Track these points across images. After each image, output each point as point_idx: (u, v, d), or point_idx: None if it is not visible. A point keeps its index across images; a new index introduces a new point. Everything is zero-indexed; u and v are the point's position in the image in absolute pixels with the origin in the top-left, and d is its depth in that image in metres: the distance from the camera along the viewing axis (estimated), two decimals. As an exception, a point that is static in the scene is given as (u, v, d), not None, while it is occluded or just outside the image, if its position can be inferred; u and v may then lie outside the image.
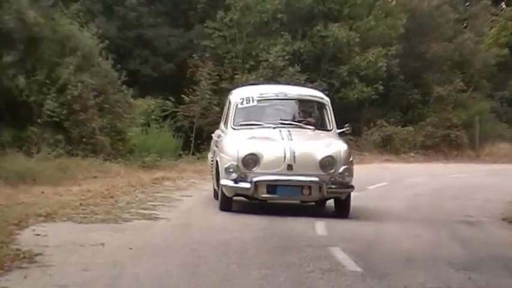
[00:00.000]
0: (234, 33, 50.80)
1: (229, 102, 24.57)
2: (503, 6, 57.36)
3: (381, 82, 50.61)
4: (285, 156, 21.32)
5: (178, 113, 46.58)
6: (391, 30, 51.43)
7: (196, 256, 16.81)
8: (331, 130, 23.25)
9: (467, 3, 57.38)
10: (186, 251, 17.37)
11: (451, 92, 53.57)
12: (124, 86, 40.91)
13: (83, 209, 23.20)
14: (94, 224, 20.39)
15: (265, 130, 22.99)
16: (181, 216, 23.39)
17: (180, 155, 43.16)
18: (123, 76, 40.75)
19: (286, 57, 48.90)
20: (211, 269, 15.39)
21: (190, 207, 25.50)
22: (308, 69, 49.26)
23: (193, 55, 49.77)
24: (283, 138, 21.92)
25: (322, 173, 21.21)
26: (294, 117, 23.56)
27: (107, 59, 40.63)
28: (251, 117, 23.54)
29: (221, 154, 23.03)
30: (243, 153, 21.44)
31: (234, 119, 23.34)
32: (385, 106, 52.48)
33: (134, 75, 43.37)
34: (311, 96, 24.45)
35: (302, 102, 24.16)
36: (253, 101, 23.22)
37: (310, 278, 14.60)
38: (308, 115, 23.82)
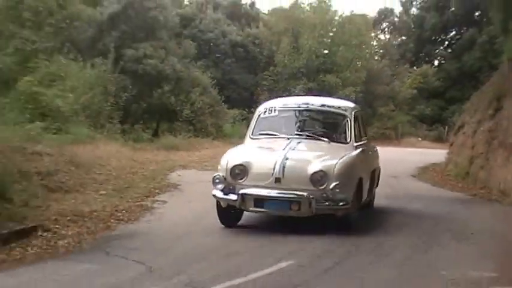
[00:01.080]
0: (278, 78, 50.73)
1: (255, 113, 14.21)
2: (415, 68, 57.09)
3: (352, 105, 50.53)
4: (274, 169, 11.29)
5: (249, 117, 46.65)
6: (358, 78, 51.21)
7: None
8: (348, 143, 12.65)
9: (397, 66, 57.07)
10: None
11: (387, 111, 53.40)
12: (223, 103, 41.22)
13: (201, 163, 23.31)
14: (206, 171, 20.10)
15: (278, 140, 12.51)
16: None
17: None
18: (222, 98, 41.09)
19: (304, 92, 48.75)
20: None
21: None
22: (315, 98, 48.93)
23: (258, 88, 49.84)
24: (284, 149, 11.86)
25: (313, 188, 11.20)
26: (312, 128, 13.06)
27: (215, 89, 40.87)
28: (270, 127, 13.14)
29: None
30: (231, 163, 11.61)
31: (253, 129, 13.29)
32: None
33: (228, 98, 43.47)
34: (333, 107, 13.47)
35: (323, 114, 13.44)
36: (275, 111, 13.37)
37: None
38: (328, 127, 13.33)
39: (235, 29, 50.37)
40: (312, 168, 11.09)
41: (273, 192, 11.01)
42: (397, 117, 53.46)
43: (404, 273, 8.81)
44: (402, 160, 27.72)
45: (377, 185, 14.58)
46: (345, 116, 12.75)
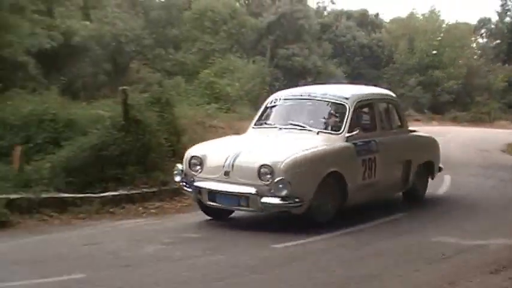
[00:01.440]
0: (396, 72, 49.61)
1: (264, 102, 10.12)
2: (507, 65, 54.59)
3: (453, 95, 49.27)
4: (224, 162, 8.18)
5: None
6: (460, 73, 49.70)
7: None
8: (340, 133, 8.75)
9: (491, 64, 54.62)
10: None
11: (482, 99, 51.46)
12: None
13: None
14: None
15: (269, 131, 9.18)
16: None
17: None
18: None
19: (416, 84, 47.78)
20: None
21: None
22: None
23: (380, 81, 48.85)
24: (262, 141, 8.90)
25: (260, 183, 7.91)
26: (308, 118, 9.21)
27: (346, 81, 40.47)
28: (271, 117, 9.57)
29: None
30: (189, 155, 8.64)
31: (257, 119, 9.65)
32: (455, 104, 50.65)
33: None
34: (334, 97, 9.28)
35: (323, 104, 9.31)
36: (279, 101, 9.67)
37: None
38: (325, 116, 9.26)
39: (363, 34, 49.87)
40: (259, 162, 8.00)
41: (223, 186, 8.16)
42: (490, 105, 51.51)
43: (493, 223, 8.96)
44: (494, 138, 26.75)
45: (432, 177, 10.70)
46: (343, 106, 9.05)
